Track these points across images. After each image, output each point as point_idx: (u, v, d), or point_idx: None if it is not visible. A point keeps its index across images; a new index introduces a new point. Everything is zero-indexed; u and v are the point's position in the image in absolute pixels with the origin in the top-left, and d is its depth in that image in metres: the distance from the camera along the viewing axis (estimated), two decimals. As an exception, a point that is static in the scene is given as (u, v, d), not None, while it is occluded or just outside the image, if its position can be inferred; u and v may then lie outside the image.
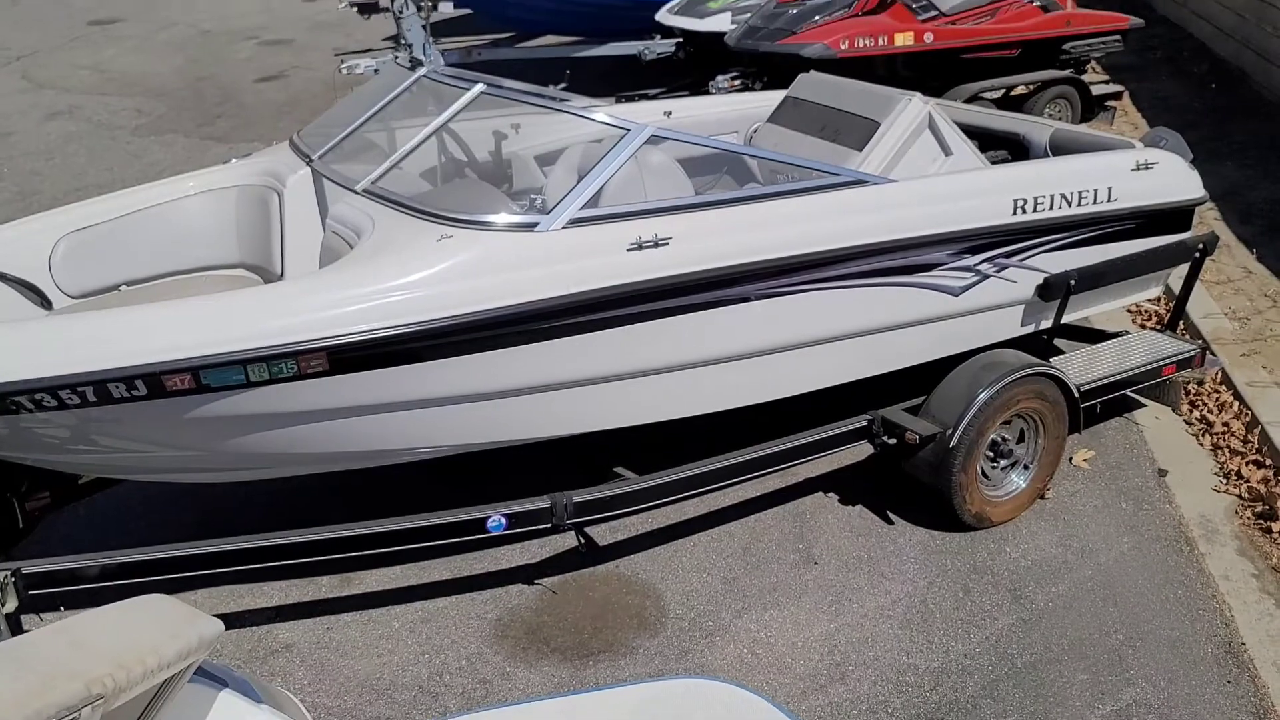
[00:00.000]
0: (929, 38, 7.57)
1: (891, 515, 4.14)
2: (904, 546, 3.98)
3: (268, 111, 10.34)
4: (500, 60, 9.98)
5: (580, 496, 3.56)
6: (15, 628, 3.27)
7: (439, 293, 3.11)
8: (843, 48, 7.30)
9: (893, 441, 3.94)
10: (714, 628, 3.64)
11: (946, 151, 4.13)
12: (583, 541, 3.99)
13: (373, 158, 3.87)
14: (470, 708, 3.31)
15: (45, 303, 3.78)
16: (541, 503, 3.53)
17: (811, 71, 4.83)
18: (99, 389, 2.90)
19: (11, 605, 3.15)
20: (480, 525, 3.50)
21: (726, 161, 4.87)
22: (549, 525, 3.58)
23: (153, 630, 1.32)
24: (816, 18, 7.54)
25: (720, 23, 8.45)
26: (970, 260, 3.90)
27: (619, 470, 3.87)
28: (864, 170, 3.88)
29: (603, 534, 4.11)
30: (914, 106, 4.07)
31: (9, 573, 3.14)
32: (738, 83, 7.80)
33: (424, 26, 9.90)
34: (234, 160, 4.38)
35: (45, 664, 1.10)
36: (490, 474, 4.35)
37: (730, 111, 5.35)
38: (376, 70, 9.51)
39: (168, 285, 4.03)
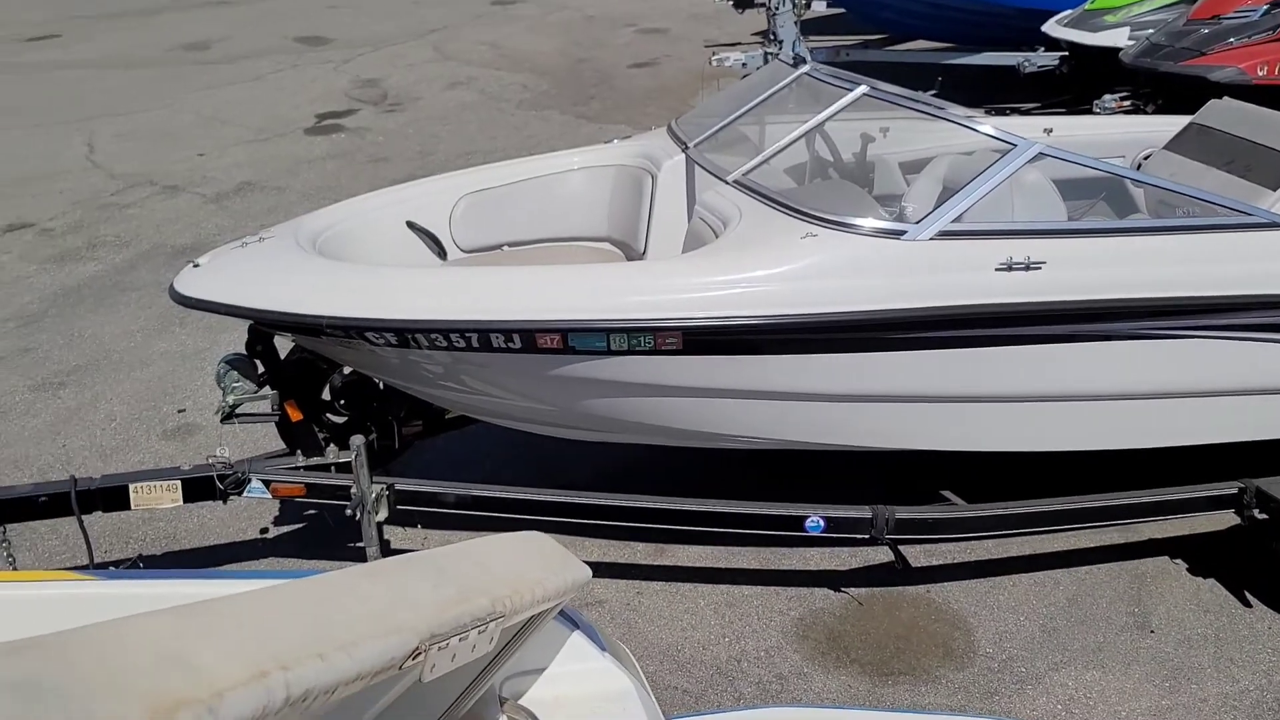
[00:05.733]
0: (1368, 70, 6.62)
1: (1249, 597, 3.71)
2: (1260, 633, 3.56)
3: (637, 96, 10.88)
4: (868, 62, 9.87)
5: (903, 514, 3.49)
6: (380, 536, 3.70)
7: (798, 289, 3.15)
8: (1260, 74, 6.55)
9: (1263, 517, 3.52)
10: (1026, 675, 3.44)
11: (1384, 201, 3.61)
12: (897, 559, 3.91)
13: (745, 150, 3.97)
14: (766, 701, 3.35)
15: (441, 253, 4.22)
16: (863, 512, 3.49)
17: (1225, 98, 4.38)
18: (482, 337, 3.21)
19: (383, 515, 3.57)
20: (798, 523, 3.52)
21: (1105, 187, 4.54)
22: (866, 536, 3.54)
23: (538, 564, 1.45)
24: (1231, 39, 6.82)
25: (1116, 38, 7.87)
26: (1397, 328, 3.40)
27: (946, 494, 3.74)
28: (1278, 211, 3.48)
29: (917, 555, 3.99)
30: (1349, 147, 3.59)
31: (385, 486, 3.55)
32: (1127, 103, 7.24)
33: (796, 23, 10.00)
34: (615, 141, 4.66)
35: (461, 578, 1.24)
36: (810, 472, 4.35)
37: (1117, 133, 4.99)
38: (744, 64, 9.74)
39: (543, 250, 4.37)
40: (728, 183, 3.70)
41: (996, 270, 3.19)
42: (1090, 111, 7.26)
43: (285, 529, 4.30)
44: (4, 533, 3.55)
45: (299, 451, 3.85)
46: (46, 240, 7.56)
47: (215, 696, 0.81)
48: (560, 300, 3.23)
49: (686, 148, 4.13)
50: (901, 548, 3.98)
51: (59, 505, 3.58)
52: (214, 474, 3.61)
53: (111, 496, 3.62)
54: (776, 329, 3.15)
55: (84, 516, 3.59)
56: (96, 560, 3.84)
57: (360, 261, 3.78)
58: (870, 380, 3.30)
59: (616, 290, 3.23)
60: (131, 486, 3.62)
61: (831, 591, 3.85)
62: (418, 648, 1.07)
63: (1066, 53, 8.70)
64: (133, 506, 3.65)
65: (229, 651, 0.88)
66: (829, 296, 3.15)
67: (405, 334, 3.26)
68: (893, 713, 2.85)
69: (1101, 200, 4.61)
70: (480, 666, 1.44)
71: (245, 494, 3.65)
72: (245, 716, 0.83)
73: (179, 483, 3.63)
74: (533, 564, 1.43)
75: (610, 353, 3.23)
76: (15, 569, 3.54)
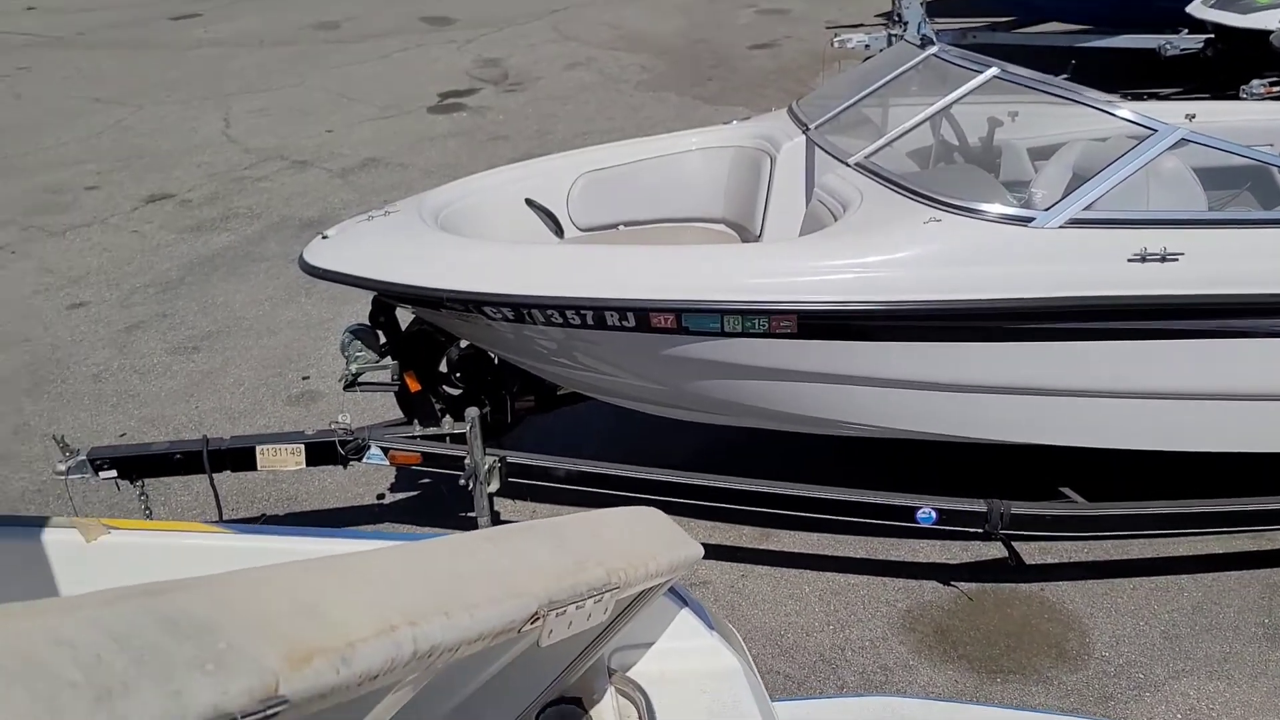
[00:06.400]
0: None
1: (1393, 615, 3.50)
2: (1404, 655, 3.36)
3: (755, 78, 10.77)
4: (996, 44, 9.55)
5: (1019, 509, 3.40)
6: (491, 506, 3.78)
7: (919, 275, 3.09)
8: None
9: None
10: (1144, 681, 3.32)
11: None
12: (1011, 555, 3.81)
13: (867, 132, 3.90)
14: (870, 690, 3.31)
15: (558, 230, 4.27)
16: (978, 506, 3.41)
17: (1388, 84, 4.11)
18: (597, 314, 3.23)
19: (495, 487, 3.64)
20: (909, 514, 3.47)
21: (1251, 176, 4.30)
22: (980, 530, 3.47)
23: (652, 539, 1.46)
24: (1395, 21, 6.38)
25: (1267, 20, 7.43)
26: None
27: (1065, 491, 3.63)
28: None
29: (1032, 552, 3.88)
30: None
31: (498, 459, 3.62)
32: (1277, 89, 6.84)
33: (921, 4, 9.74)
34: (734, 122, 4.63)
35: (578, 548, 1.25)
36: (919, 461, 4.26)
37: (1266, 120, 4.72)
38: (867, 46, 9.54)
39: (659, 230, 4.37)
40: (849, 165, 3.64)
41: (1129, 261, 3.06)
42: (1236, 98, 6.90)
43: (400, 495, 4.43)
44: (143, 486, 3.76)
45: (416, 421, 3.95)
46: (185, 211, 7.92)
47: (348, 647, 0.84)
48: (675, 280, 3.23)
49: (807, 129, 4.08)
50: (1015, 544, 3.88)
51: (192, 463, 3.77)
52: (336, 439, 3.74)
53: (239, 457, 3.80)
54: (896, 316, 3.09)
55: (214, 475, 3.78)
56: (225, 516, 4.03)
57: (480, 237, 3.85)
58: (991, 371, 3.21)
59: (732, 272, 3.21)
60: (258, 448, 3.78)
61: (941, 585, 3.78)
62: (536, 612, 1.10)
63: (1212, 35, 8.26)
64: (258, 467, 3.82)
65: (359, 605, 0.92)
66: (951, 284, 3.07)
67: (521, 309, 3.31)
68: (1001, 709, 2.79)
69: (1246, 190, 4.38)
70: (592, 636, 1.46)
71: (364, 460, 3.78)
72: (374, 668, 0.86)
73: (303, 446, 3.78)
74: (647, 538, 1.44)
75: (724, 334, 3.21)
76: (152, 520, 3.74)
